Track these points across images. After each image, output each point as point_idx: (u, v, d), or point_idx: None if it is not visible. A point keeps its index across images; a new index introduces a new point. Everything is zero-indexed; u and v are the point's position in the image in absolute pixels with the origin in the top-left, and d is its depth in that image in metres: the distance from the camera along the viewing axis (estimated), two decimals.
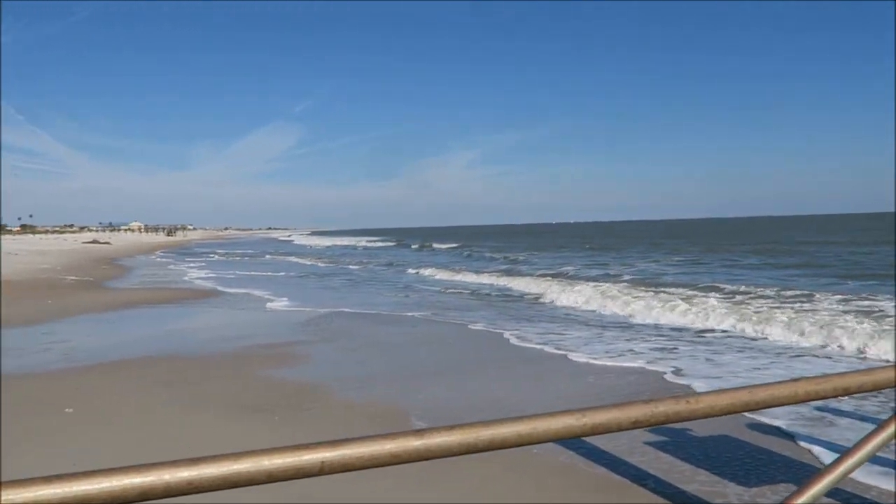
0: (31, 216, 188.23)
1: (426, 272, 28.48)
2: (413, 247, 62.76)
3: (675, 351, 10.12)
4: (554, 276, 24.04)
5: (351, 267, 35.27)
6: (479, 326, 13.10)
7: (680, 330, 12.28)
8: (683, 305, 13.98)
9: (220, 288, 22.52)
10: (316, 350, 10.84)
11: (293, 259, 45.20)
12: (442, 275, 26.88)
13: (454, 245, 60.33)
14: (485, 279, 24.01)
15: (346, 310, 16.03)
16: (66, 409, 6.88)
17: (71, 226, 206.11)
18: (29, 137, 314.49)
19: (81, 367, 9.34)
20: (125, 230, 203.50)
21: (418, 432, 1.31)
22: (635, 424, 1.45)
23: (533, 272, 26.42)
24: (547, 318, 14.25)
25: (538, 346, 10.67)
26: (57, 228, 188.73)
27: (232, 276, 28.70)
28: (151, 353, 10.69)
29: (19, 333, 12.58)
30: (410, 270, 30.40)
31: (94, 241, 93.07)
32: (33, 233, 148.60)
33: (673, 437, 5.52)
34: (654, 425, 1.50)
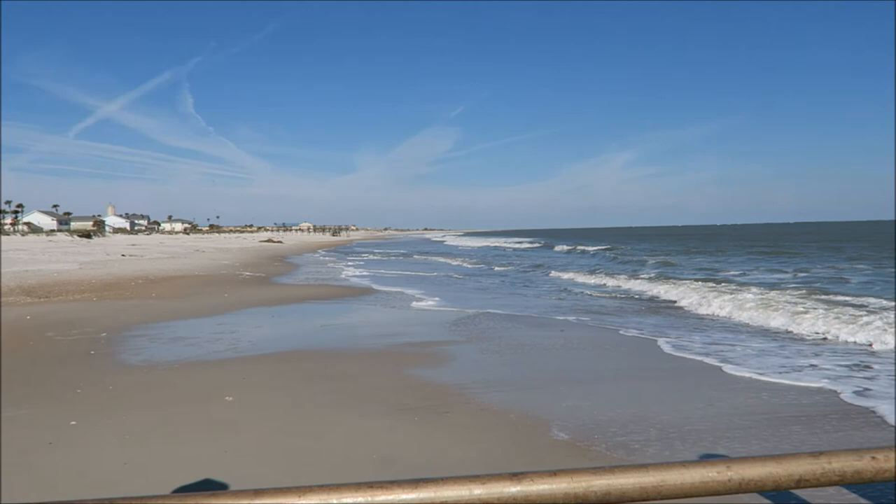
0: (217, 217, 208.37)
1: (573, 275, 27.74)
2: (562, 248, 61.69)
3: (865, 371, 8.91)
4: (712, 281, 22.42)
5: (498, 268, 35.23)
6: (629, 332, 12.44)
7: (867, 351, 10.76)
8: (875, 321, 12.09)
9: (374, 286, 23.38)
10: (460, 351, 10.81)
11: (442, 259, 46.10)
12: (590, 278, 26.01)
13: (604, 247, 58.55)
14: (636, 283, 22.88)
15: (493, 311, 15.93)
16: (227, 398, 7.33)
17: (250, 226, 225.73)
18: (219, 147, 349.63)
19: (245, 358, 9.99)
20: (296, 230, 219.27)
21: (515, 476, 1.07)
22: (799, 483, 1.12)
23: (689, 276, 24.85)
24: (705, 327, 13.24)
25: (696, 357, 9.89)
26: (238, 228, 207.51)
27: (385, 275, 29.74)
28: (308, 346, 11.24)
29: (198, 323, 13.76)
30: (557, 273, 29.77)
31: (269, 240, 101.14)
32: (218, 232, 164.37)
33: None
34: (825, 485, 1.15)
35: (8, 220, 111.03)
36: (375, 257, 51.40)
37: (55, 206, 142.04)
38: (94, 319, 13.93)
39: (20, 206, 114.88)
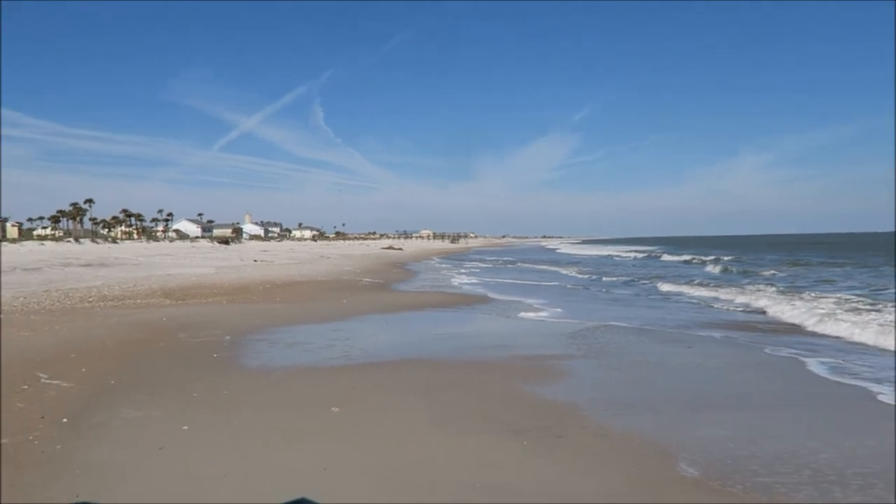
0: (343, 224, 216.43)
1: (694, 287, 25.88)
2: (684, 258, 58.38)
3: None
4: (863, 297, 20.11)
5: (613, 278, 33.72)
6: (769, 350, 11.22)
7: None
8: None
9: (488, 294, 22.99)
10: (577, 366, 10.14)
11: (556, 268, 44.89)
12: (713, 291, 24.10)
13: (731, 256, 54.80)
14: (764, 298, 20.88)
15: (612, 323, 15.05)
16: (333, 408, 7.16)
17: (373, 233, 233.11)
18: (346, 158, 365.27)
19: (356, 366, 9.88)
20: (416, 237, 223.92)
21: None
22: None
23: (831, 291, 22.47)
24: (858, 351, 11.72)
25: (860, 384, 8.61)
26: (362, 235, 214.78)
27: (500, 283, 29.30)
28: (419, 355, 10.99)
29: (315, 329, 13.95)
30: (676, 285, 27.96)
31: (390, 247, 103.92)
32: (343, 239, 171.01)
33: None
34: None
35: (160, 228, 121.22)
36: (491, 265, 51.12)
37: (200, 214, 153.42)
38: (221, 322, 14.48)
39: (170, 214, 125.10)
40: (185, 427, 6.43)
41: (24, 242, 65.88)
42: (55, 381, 8.35)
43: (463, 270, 41.83)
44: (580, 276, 36.04)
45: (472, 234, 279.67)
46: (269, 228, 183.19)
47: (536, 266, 48.89)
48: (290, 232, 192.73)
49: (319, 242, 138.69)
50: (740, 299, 21.04)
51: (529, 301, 20.25)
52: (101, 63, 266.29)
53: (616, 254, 74.23)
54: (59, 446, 5.81)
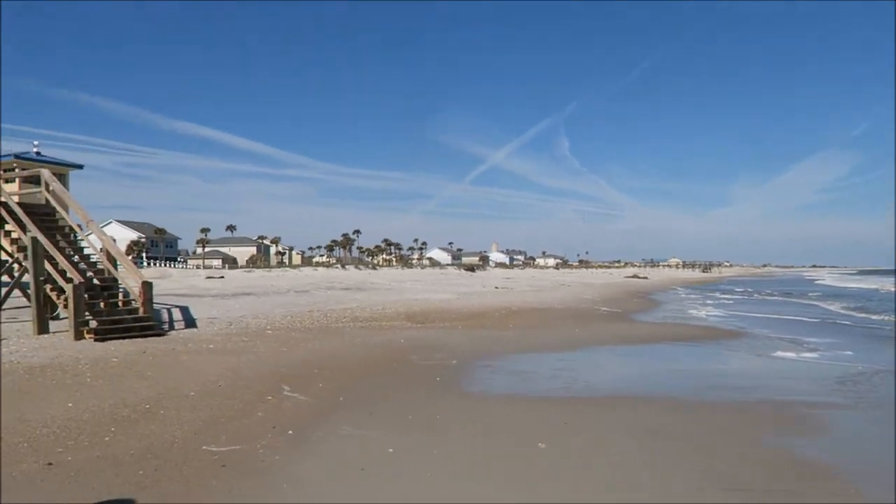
0: (587, 252, 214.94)
1: None
2: None
3: None
4: None
5: (882, 316, 28.16)
6: None
7: None
8: None
9: (738, 328, 20.67)
10: (843, 418, 8.43)
11: (819, 303, 38.99)
12: None
13: None
14: None
15: (886, 369, 12.43)
16: (540, 444, 6.71)
17: (618, 261, 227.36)
18: (590, 186, 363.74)
19: (575, 399, 9.31)
20: (663, 265, 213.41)
21: None
22: None
23: None
24: None
25: None
26: (606, 263, 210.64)
27: (752, 317, 26.24)
28: (648, 393, 10.08)
29: (540, 358, 13.60)
30: None
31: (634, 276, 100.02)
32: (586, 267, 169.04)
33: None
34: None
35: (415, 255, 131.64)
36: (745, 296, 46.36)
37: (450, 243, 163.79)
38: (453, 346, 14.82)
39: (424, 243, 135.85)
40: (391, 450, 6.47)
41: (303, 268, 75.78)
42: (294, 394, 9.09)
43: (711, 301, 38.51)
44: (845, 311, 30.94)
45: (726, 263, 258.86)
46: (514, 256, 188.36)
47: (797, 299, 43.24)
48: (533, 260, 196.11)
49: (561, 270, 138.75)
50: None
51: (786, 338, 17.75)
52: (367, 108, 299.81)
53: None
54: (277, 457, 6.20)
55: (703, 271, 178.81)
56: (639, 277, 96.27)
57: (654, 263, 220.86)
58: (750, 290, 60.21)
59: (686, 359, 14.28)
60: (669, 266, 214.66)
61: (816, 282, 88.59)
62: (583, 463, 6.26)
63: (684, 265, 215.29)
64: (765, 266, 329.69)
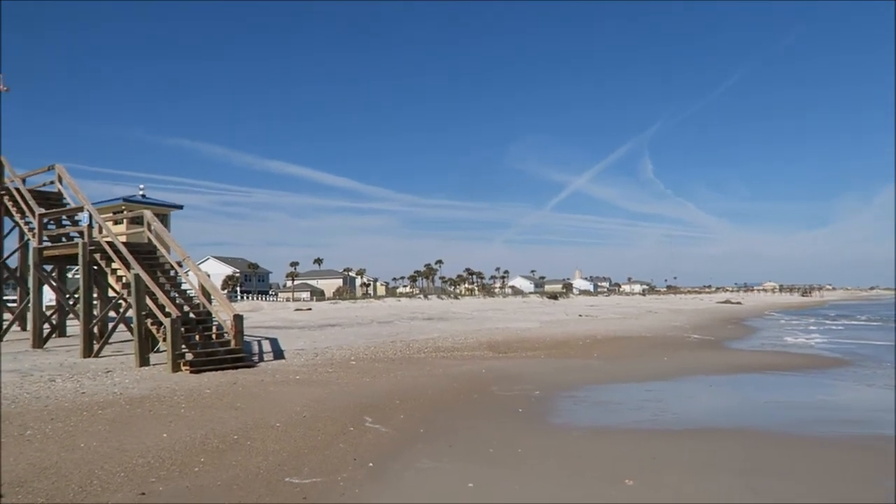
0: (675, 278, 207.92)
1: None
2: None
3: None
4: None
5: None
6: None
7: None
8: None
9: (845, 357, 19.26)
10: None
11: None
12: None
13: None
14: None
15: None
16: (627, 481, 6.39)
17: (708, 286, 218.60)
18: (677, 209, 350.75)
19: (663, 432, 8.87)
20: (758, 290, 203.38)
21: None
22: None
23: None
24: None
25: None
26: (696, 289, 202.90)
27: (861, 344, 24.41)
28: (744, 425, 9.47)
29: (626, 388, 13.10)
30: None
31: (727, 301, 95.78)
32: (675, 293, 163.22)
33: None
34: None
35: (497, 284, 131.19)
36: (852, 322, 43.32)
37: (532, 271, 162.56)
38: (535, 376, 14.54)
39: (506, 272, 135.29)
40: (471, 484, 6.33)
41: (386, 299, 76.90)
42: (376, 426, 9.10)
43: (814, 327, 36.22)
44: None
45: (828, 286, 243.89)
46: (598, 283, 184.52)
47: None
48: (619, 287, 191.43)
49: (648, 297, 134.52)
50: None
51: None
52: (445, 136, 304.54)
53: None
54: (357, 490, 6.17)
55: (803, 295, 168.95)
56: (731, 303, 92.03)
57: (747, 288, 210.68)
58: (860, 314, 56.36)
59: (787, 389, 13.39)
60: (765, 290, 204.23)
61: None
62: (672, 500, 5.89)
63: (781, 289, 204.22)
64: (872, 289, 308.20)
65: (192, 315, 16.54)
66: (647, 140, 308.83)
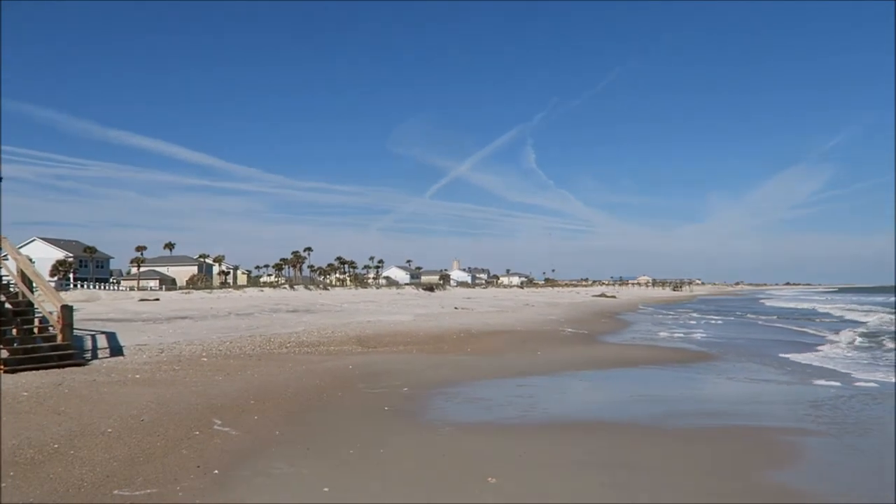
0: (553, 270, 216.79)
1: None
2: None
3: None
4: None
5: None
6: None
7: None
8: None
9: (709, 351, 20.94)
10: (816, 445, 8.51)
11: (802, 323, 40.10)
12: None
13: None
14: None
15: (866, 392, 12.69)
16: (490, 479, 6.56)
17: (586, 279, 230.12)
18: (558, 200, 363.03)
19: (532, 427, 9.23)
20: (633, 284, 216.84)
21: None
22: None
23: None
24: None
25: None
26: (573, 282, 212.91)
27: (727, 339, 26.68)
28: (612, 419, 10.06)
29: (498, 384, 13.50)
30: None
31: (602, 295, 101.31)
32: (552, 286, 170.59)
33: None
34: None
35: (371, 275, 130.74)
36: (719, 317, 47.24)
37: (409, 261, 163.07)
38: (404, 373, 14.62)
39: (381, 261, 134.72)
40: (326, 489, 6.25)
41: (248, 289, 74.60)
42: (225, 429, 8.77)
43: (682, 322, 39.13)
44: (817, 333, 31.76)
45: (697, 281, 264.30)
46: (477, 275, 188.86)
47: (768, 319, 44.29)
48: (497, 278, 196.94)
49: (526, 290, 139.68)
50: None
51: (758, 360, 18.04)
52: (326, 120, 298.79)
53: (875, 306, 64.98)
54: (197, 501, 5.91)
55: (674, 289, 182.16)
56: (606, 296, 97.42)
57: (623, 282, 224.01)
58: (725, 308, 61.46)
59: (656, 383, 14.33)
60: (639, 284, 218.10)
61: (761, 300, 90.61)
62: (537, 499, 6.12)
63: (654, 283, 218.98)
64: (738, 284, 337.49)
65: (8, 306, 15.15)
66: (531, 129, 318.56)
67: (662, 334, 28.57)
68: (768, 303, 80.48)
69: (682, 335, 27.71)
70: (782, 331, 31.95)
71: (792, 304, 74.06)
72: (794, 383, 13.93)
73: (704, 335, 27.81)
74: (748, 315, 48.64)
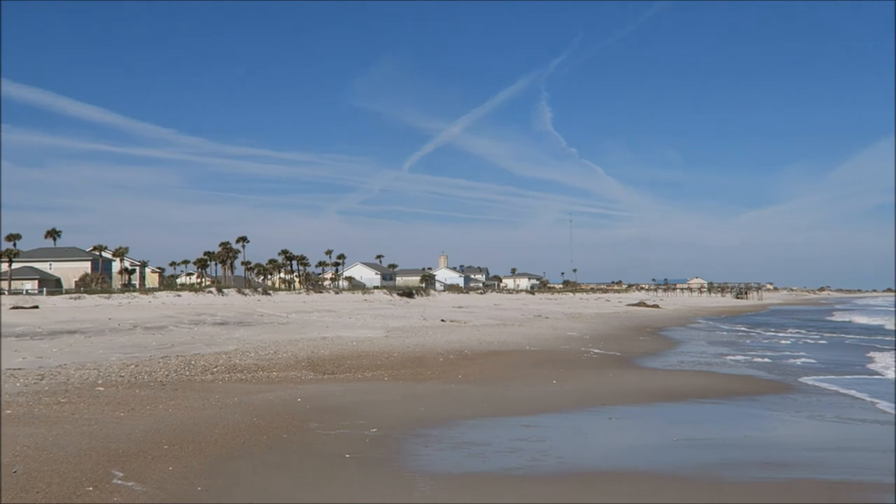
0: (574, 270, 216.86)
1: None
2: None
3: None
4: None
5: None
6: None
7: None
8: None
9: (789, 380, 21.19)
10: None
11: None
12: None
13: None
14: None
15: None
16: None
17: (618, 282, 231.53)
18: (582, 175, 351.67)
19: (541, 480, 9.40)
20: (682, 289, 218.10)
21: None
22: None
23: None
24: None
25: None
26: (602, 286, 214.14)
27: (807, 362, 26.98)
28: (649, 469, 10.26)
29: (498, 424, 13.64)
30: None
31: (641, 304, 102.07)
32: (574, 291, 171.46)
33: None
34: None
35: (328, 274, 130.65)
36: (800, 332, 47.70)
37: (379, 256, 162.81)
38: (372, 407, 14.76)
39: (341, 256, 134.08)
40: None
41: (159, 293, 74.52)
42: (129, 483, 8.85)
43: (750, 340, 39.50)
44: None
45: (768, 286, 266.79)
46: (471, 276, 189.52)
47: (874, 337, 44.76)
48: (499, 281, 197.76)
49: (539, 296, 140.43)
50: None
51: (859, 392, 18.33)
52: (265, 66, 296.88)
53: None
54: None
55: (738, 297, 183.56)
56: (646, 305, 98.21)
57: (669, 286, 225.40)
58: (808, 322, 61.99)
59: (712, 422, 14.63)
60: (690, 289, 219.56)
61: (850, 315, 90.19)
62: None
63: (711, 289, 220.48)
64: (823, 289, 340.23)
65: None
66: (546, 77, 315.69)
67: (725, 356, 28.84)
68: (858, 319, 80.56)
69: (753, 358, 27.96)
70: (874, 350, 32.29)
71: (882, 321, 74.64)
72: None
73: (781, 355, 28.07)
74: (839, 333, 49.06)
